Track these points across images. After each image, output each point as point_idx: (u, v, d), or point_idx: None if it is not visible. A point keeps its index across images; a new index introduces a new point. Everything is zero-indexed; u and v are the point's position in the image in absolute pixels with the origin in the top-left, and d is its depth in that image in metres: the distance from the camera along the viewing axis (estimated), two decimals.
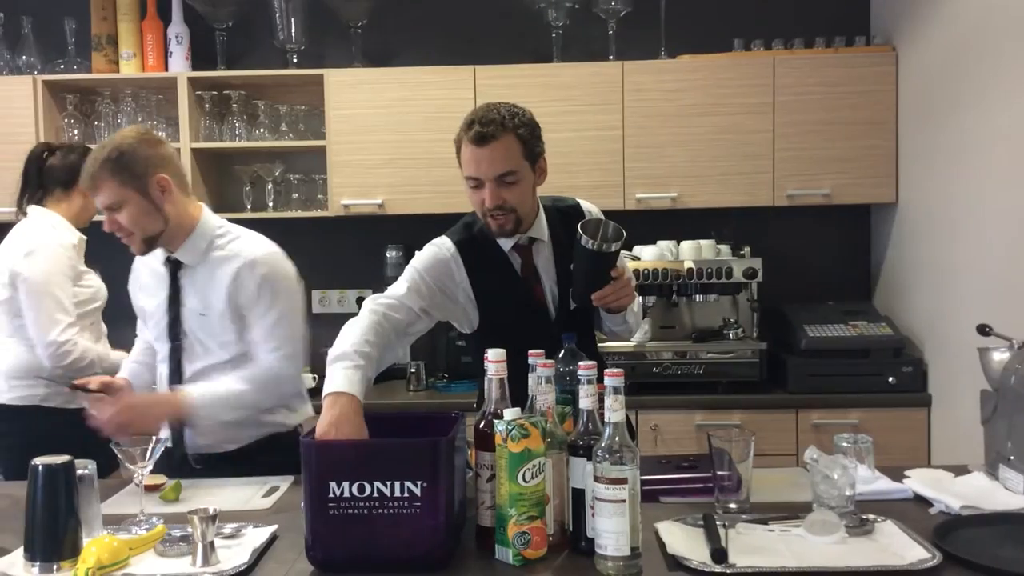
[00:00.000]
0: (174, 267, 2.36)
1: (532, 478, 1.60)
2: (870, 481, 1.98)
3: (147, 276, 2.44)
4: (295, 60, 3.88)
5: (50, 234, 2.92)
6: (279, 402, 2.37)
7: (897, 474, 2.06)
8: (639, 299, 2.35)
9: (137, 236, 2.29)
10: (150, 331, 2.47)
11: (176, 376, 2.38)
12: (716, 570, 1.54)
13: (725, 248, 3.69)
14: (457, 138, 2.12)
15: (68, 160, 2.97)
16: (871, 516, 1.77)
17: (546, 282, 2.25)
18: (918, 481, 2.00)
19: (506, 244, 2.22)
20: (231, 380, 2.28)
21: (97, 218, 2.50)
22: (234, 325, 2.31)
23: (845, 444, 1.96)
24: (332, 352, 1.97)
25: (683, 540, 1.67)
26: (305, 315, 2.42)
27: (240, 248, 2.34)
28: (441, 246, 2.24)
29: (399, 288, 2.17)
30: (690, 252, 3.63)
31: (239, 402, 2.27)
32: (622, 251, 2.12)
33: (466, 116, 2.11)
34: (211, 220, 2.39)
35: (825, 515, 1.71)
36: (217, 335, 2.33)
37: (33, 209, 2.99)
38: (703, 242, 3.66)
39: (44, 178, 3.00)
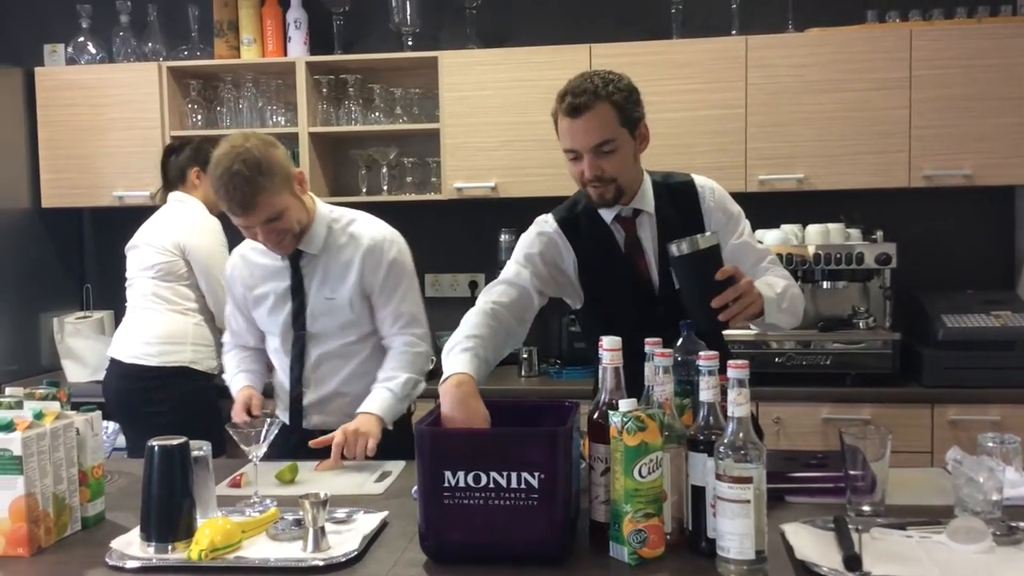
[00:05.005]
0: (294, 257, 2.38)
1: (649, 473, 1.53)
2: (1019, 485, 1.82)
3: (255, 273, 2.44)
4: (410, 43, 3.87)
5: (209, 217, 3.23)
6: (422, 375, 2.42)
7: None
8: (792, 286, 2.15)
9: (291, 236, 2.31)
10: (264, 326, 2.48)
11: (299, 364, 2.42)
12: None
13: (855, 232, 3.50)
14: (553, 111, 2.08)
15: (181, 158, 3.29)
16: (1021, 524, 1.64)
17: (650, 256, 2.17)
18: None
19: (608, 216, 2.16)
20: (390, 374, 2.34)
21: None
22: (360, 306, 2.38)
23: (991, 444, 1.81)
24: (445, 346, 1.97)
25: (812, 544, 1.57)
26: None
27: (361, 231, 2.39)
28: (545, 223, 2.22)
29: (509, 271, 2.16)
30: (817, 236, 3.46)
31: (405, 391, 2.35)
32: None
33: (560, 88, 2.05)
34: (322, 206, 2.43)
35: (970, 521, 1.58)
36: (343, 317, 2.38)
37: (178, 195, 3.28)
38: (831, 226, 3.47)
39: (169, 174, 3.33)
